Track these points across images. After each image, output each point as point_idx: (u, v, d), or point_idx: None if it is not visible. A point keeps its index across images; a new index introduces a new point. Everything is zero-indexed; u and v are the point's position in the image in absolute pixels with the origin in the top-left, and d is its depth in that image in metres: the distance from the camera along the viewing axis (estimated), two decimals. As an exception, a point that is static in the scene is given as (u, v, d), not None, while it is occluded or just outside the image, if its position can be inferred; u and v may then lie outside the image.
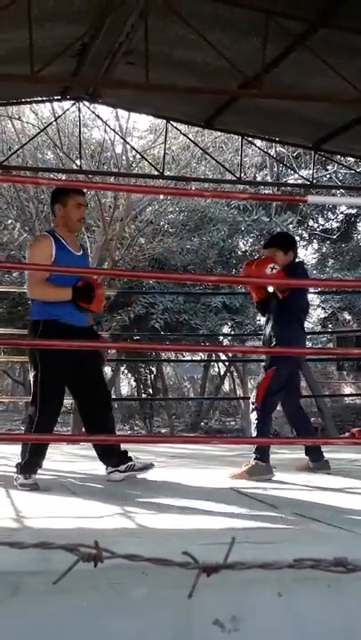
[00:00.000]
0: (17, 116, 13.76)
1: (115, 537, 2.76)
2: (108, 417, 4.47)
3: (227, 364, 17.91)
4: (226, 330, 15.42)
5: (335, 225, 19.28)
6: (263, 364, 5.34)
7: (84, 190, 5.29)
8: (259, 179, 16.27)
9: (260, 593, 2.28)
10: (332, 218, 19.19)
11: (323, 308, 18.15)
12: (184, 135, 10.99)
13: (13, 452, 5.39)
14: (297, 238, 17.61)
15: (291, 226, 16.45)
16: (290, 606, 2.31)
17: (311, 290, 9.52)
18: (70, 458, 6.00)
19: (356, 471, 5.17)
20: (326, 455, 5.07)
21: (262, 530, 2.99)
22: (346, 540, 2.81)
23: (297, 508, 3.49)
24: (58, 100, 9.45)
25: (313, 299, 15.29)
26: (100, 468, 4.56)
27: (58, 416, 4.49)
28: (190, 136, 11.58)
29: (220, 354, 17.56)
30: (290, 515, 3.30)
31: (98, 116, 11.15)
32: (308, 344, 11.48)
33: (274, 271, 4.78)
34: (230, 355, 17.68)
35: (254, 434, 4.94)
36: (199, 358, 17.72)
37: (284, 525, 3.09)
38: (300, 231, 17.58)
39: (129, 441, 6.59)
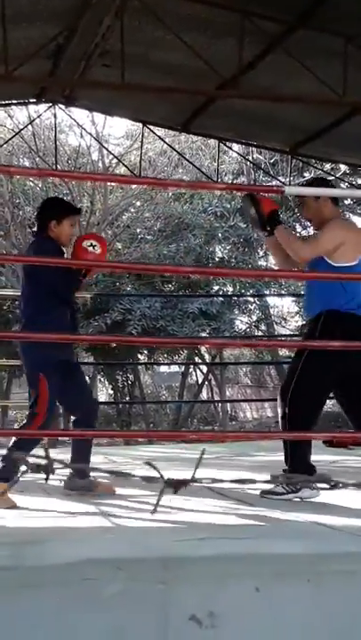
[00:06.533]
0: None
1: (89, 534, 2.70)
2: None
3: (205, 371, 17.87)
4: (203, 336, 15.36)
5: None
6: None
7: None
8: (236, 185, 16.30)
9: (237, 588, 2.23)
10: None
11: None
12: (160, 139, 10.92)
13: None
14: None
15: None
16: (268, 601, 2.25)
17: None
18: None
19: (333, 472, 5.13)
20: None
21: (240, 526, 2.93)
22: (322, 535, 2.76)
23: (274, 505, 3.45)
24: (34, 103, 9.36)
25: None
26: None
27: None
28: (167, 141, 11.50)
29: (198, 361, 17.55)
30: (267, 512, 3.25)
31: (74, 120, 11.02)
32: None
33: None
34: (209, 360, 17.66)
35: None
36: (177, 366, 17.64)
37: (261, 522, 3.04)
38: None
39: (123, 436, 6.52)
